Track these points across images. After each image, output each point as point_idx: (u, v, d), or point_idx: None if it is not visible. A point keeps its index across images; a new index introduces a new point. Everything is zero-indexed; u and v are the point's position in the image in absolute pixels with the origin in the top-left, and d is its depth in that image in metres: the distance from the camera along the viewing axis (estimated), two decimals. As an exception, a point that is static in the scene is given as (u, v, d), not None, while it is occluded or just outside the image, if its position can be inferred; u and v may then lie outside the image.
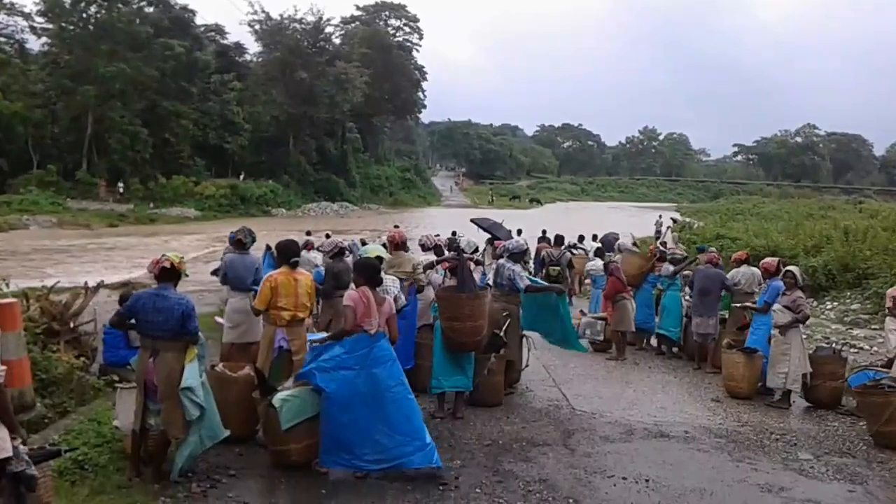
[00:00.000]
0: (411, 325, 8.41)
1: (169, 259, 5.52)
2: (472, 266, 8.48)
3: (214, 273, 14.19)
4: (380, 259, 7.43)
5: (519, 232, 18.42)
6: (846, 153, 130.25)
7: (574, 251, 18.14)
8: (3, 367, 3.54)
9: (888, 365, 8.88)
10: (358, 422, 5.72)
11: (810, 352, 9.53)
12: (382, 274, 7.37)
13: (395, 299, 7.33)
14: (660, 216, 36.70)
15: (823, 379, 9.03)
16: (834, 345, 11.14)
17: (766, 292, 9.79)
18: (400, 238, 8.98)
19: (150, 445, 5.56)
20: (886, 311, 10.29)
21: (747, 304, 10.32)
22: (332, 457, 5.76)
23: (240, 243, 8.68)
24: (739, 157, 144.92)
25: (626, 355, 11.45)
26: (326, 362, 5.81)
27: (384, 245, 9.68)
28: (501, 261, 8.82)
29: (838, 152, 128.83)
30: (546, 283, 9.81)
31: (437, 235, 13.51)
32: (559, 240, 15.28)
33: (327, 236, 17.45)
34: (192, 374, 5.37)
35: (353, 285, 6.30)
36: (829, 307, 16.07)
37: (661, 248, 16.34)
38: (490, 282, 8.94)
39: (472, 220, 17.99)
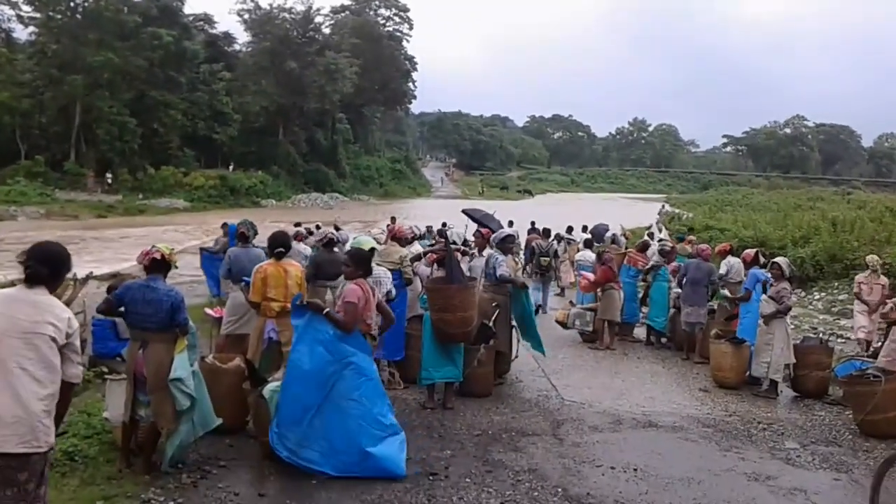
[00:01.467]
0: (401, 316, 8.42)
1: (159, 250, 5.51)
2: (460, 257, 8.51)
3: (206, 250, 14.16)
4: (372, 251, 7.44)
5: (510, 224, 18.45)
6: (835, 144, 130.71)
7: (568, 242, 18.32)
8: (82, 368, 3.76)
9: (874, 355, 8.97)
10: (301, 401, 5.64)
11: (797, 342, 9.61)
12: (375, 265, 7.41)
13: (389, 293, 7.36)
14: (663, 206, 36.75)
15: (810, 369, 9.11)
16: (821, 335, 11.25)
17: (747, 281, 10.01)
18: (400, 233, 9.06)
19: (140, 436, 5.58)
20: (854, 295, 11.23)
21: (732, 295, 10.46)
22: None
23: (243, 236, 8.70)
24: (729, 149, 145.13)
25: (615, 346, 11.52)
26: (318, 332, 5.77)
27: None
28: (491, 251, 8.86)
29: (827, 143, 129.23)
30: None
31: (427, 227, 13.60)
32: (547, 232, 15.69)
33: (317, 227, 17.47)
34: (182, 365, 5.37)
35: (343, 277, 6.30)
36: (816, 298, 16.19)
37: (649, 238, 16.45)
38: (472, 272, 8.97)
39: (463, 211, 18.12)
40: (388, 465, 5.67)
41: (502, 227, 13.24)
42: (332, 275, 7.98)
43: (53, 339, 3.53)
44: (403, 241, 9.17)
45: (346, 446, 5.62)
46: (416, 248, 10.62)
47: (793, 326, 10.95)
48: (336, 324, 5.82)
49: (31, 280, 3.62)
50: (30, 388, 3.46)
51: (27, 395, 3.45)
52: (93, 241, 28.71)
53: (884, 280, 11.28)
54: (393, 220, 20.41)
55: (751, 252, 10.60)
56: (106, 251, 25.48)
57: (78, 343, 3.69)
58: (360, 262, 6.23)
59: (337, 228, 17.00)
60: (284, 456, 5.62)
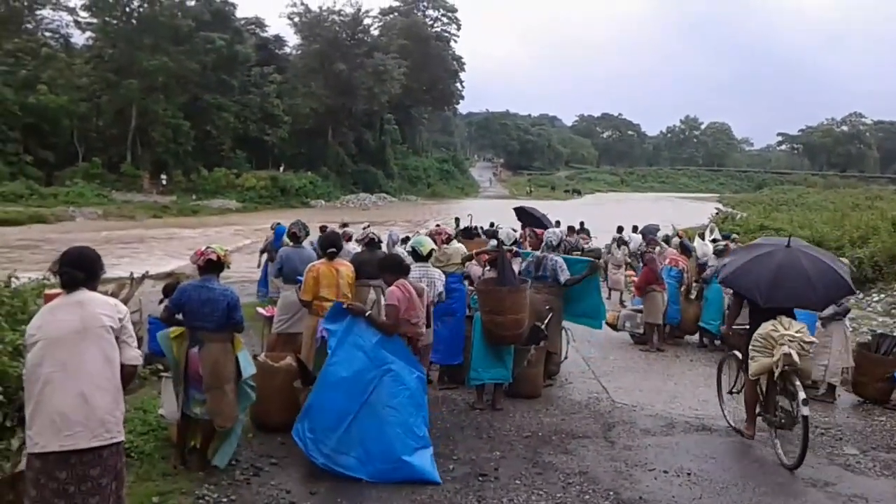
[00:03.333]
0: (460, 319, 8.41)
1: (215, 251, 5.58)
2: (511, 257, 8.46)
3: (265, 252, 14.32)
4: (431, 252, 7.43)
5: (557, 223, 18.35)
6: (894, 142, 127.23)
7: (624, 243, 18.18)
8: (138, 351, 3.91)
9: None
10: (339, 407, 5.63)
11: (855, 344, 9.33)
12: (431, 266, 7.40)
13: (440, 295, 7.35)
14: (717, 212, 36.46)
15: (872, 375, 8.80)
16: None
17: None
18: (446, 234, 9.08)
19: (195, 433, 5.67)
20: None
21: None
22: (300, 425, 5.70)
23: (294, 236, 8.80)
24: (784, 147, 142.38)
25: (664, 347, 11.36)
26: (359, 338, 5.79)
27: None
28: (545, 253, 8.81)
29: (886, 141, 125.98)
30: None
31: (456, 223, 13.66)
32: (571, 229, 17.41)
33: (365, 227, 17.56)
34: (249, 362, 5.57)
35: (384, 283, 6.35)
36: (875, 299, 15.75)
37: (700, 238, 16.20)
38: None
39: (519, 208, 18.30)
40: (424, 475, 5.61)
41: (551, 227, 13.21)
42: (373, 274, 8.00)
43: (110, 328, 3.67)
44: (450, 239, 9.18)
45: (383, 453, 5.59)
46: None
47: (851, 329, 10.65)
48: (379, 327, 5.85)
49: (69, 286, 3.73)
50: (94, 383, 3.59)
51: (91, 390, 3.57)
52: (149, 241, 29.34)
53: None
54: (457, 221, 20.31)
55: None
56: (161, 250, 26.02)
57: (131, 326, 3.82)
58: (386, 269, 6.31)
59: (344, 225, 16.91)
60: (321, 462, 5.58)
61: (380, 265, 6.62)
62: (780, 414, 6.62)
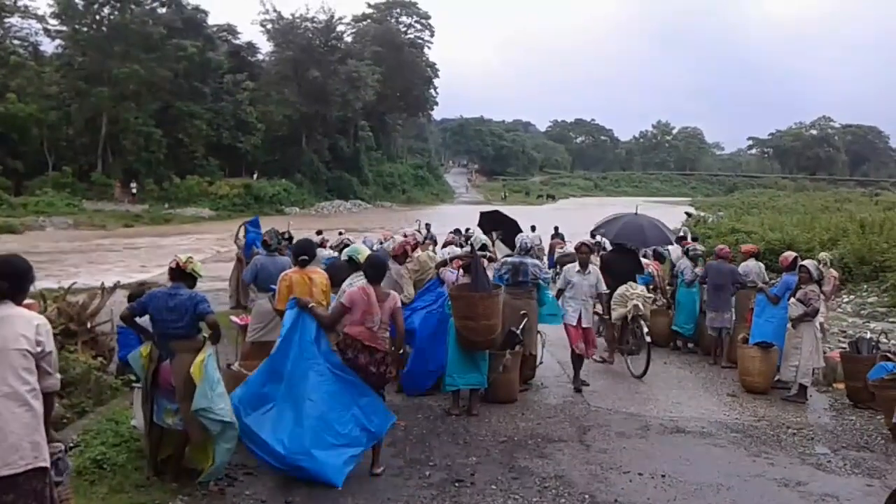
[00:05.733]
0: (443, 332, 8.36)
1: (176, 259, 5.56)
2: (486, 263, 8.49)
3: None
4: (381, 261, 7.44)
5: (533, 229, 18.39)
6: (862, 145, 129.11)
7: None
8: (59, 376, 3.70)
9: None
10: (262, 391, 5.76)
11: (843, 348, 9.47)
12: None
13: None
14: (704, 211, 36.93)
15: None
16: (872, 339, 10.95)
17: (778, 286, 9.82)
18: (415, 242, 9.10)
19: (168, 444, 5.61)
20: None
21: (762, 286, 10.28)
22: (239, 390, 5.77)
23: (265, 244, 8.76)
24: (754, 151, 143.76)
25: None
26: (300, 331, 5.90)
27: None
28: (518, 258, 8.83)
29: (854, 144, 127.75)
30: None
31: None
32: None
33: (340, 233, 17.53)
34: (202, 394, 5.20)
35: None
36: (845, 300, 15.99)
37: (677, 244, 16.31)
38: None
39: (484, 213, 18.07)
40: (328, 473, 5.54)
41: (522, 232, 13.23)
42: (339, 280, 7.98)
43: (27, 352, 3.43)
44: (411, 249, 9.19)
45: (293, 443, 5.55)
46: (454, 250, 10.70)
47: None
48: (318, 319, 5.92)
49: None
50: (6, 408, 3.36)
51: (7, 415, 3.35)
52: (120, 250, 29.02)
53: (834, 272, 12.83)
54: (428, 227, 20.18)
55: (789, 256, 10.17)
56: (132, 260, 25.74)
57: (52, 349, 3.57)
58: (367, 268, 6.38)
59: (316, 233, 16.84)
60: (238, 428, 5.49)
61: (365, 262, 6.64)
62: (631, 345, 10.12)
